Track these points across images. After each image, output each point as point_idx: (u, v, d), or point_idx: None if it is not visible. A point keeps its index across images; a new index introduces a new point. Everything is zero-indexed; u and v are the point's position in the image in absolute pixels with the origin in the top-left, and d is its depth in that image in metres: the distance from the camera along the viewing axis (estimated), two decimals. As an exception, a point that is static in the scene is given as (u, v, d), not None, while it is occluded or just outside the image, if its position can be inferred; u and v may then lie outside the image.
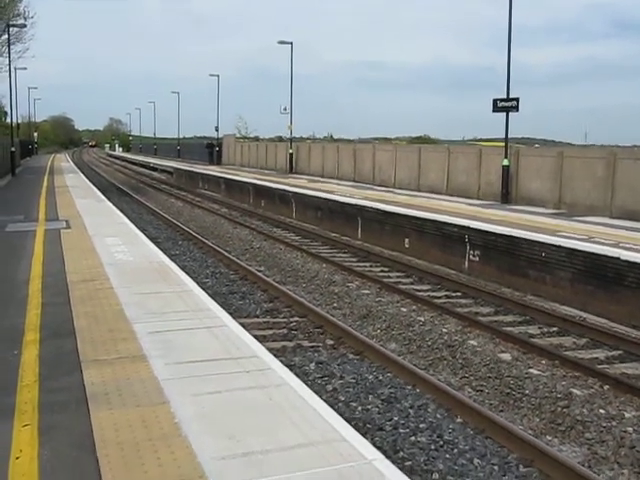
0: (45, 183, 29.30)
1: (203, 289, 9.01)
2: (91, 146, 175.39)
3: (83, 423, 4.50)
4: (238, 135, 69.84)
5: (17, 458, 4.03)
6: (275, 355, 6.22)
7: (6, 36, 36.15)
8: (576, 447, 6.82)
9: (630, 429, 7.21)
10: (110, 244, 12.10)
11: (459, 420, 7.23)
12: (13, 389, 5.13)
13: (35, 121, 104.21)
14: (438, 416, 7.33)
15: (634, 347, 9.88)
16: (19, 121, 63.27)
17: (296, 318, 11.09)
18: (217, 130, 57.62)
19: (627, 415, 7.57)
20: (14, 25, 36.39)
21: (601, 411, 7.66)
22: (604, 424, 7.33)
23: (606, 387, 8.34)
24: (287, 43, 40.24)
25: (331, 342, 9.82)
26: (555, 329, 10.94)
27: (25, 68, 51.40)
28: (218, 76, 59.39)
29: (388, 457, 4.39)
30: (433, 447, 6.61)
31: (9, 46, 36.25)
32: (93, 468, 3.89)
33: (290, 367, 6.72)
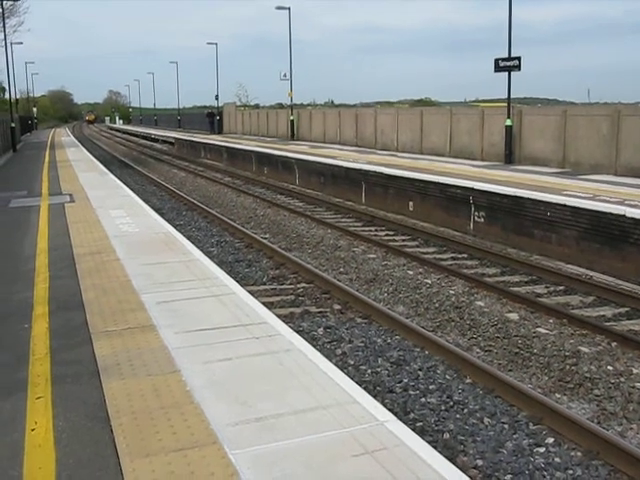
0: (47, 158, 29.20)
1: (209, 258, 9.03)
2: (89, 121, 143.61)
3: (96, 394, 4.54)
4: (239, 103, 69.49)
5: (32, 430, 4.07)
6: (283, 321, 6.24)
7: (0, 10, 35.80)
8: (585, 404, 6.87)
9: (638, 384, 7.24)
10: (115, 216, 12.11)
11: (468, 380, 7.28)
12: (25, 362, 5.17)
13: (34, 96, 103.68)
14: (447, 377, 7.37)
15: (641, 303, 9.89)
16: (18, 97, 62.95)
17: (303, 284, 11.11)
18: (217, 99, 57.30)
19: (635, 371, 7.60)
20: (8, -2, 35.99)
21: (609, 368, 7.69)
22: (612, 380, 7.36)
23: (614, 344, 8.36)
24: (285, 9, 39.68)
25: (338, 307, 9.84)
26: (562, 288, 10.95)
27: (21, 43, 51.10)
28: (216, 44, 58.77)
29: (399, 418, 4.41)
30: (443, 408, 6.66)
31: (4, 20, 35.98)
32: (108, 437, 3.93)
33: (299, 332, 6.74)
